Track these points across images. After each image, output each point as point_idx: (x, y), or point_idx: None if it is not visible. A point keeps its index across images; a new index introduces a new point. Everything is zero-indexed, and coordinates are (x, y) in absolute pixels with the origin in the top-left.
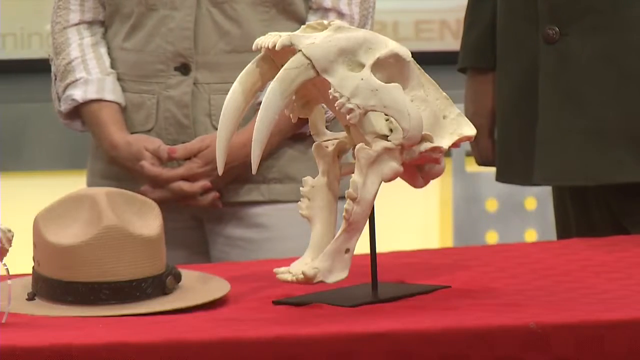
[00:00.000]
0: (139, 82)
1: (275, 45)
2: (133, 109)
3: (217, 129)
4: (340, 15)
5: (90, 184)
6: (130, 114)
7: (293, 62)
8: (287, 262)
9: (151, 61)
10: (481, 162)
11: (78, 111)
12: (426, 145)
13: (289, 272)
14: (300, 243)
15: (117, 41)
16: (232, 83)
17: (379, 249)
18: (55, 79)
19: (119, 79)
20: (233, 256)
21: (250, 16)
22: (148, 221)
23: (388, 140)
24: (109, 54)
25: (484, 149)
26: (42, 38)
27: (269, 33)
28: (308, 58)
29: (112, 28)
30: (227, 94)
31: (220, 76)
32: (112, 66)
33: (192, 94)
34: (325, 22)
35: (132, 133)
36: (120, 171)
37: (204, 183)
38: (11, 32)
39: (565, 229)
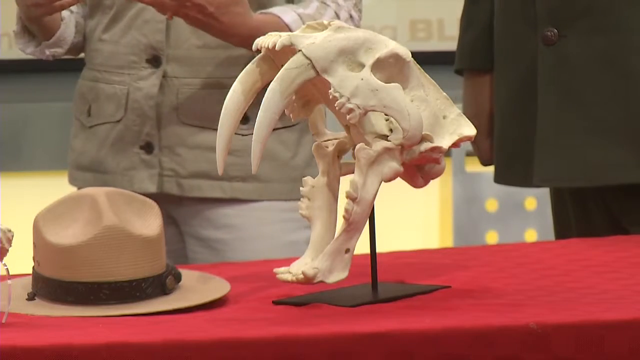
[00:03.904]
0: (112, 74)
1: (275, 45)
2: (105, 99)
3: (183, 123)
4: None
5: (69, 175)
6: (102, 104)
7: (293, 62)
8: (287, 262)
9: (125, 52)
10: (484, 163)
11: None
12: (426, 145)
13: (289, 272)
14: (271, 243)
15: (98, 33)
16: (202, 78)
17: (379, 249)
18: None
19: (95, 70)
20: (205, 256)
21: None
22: (148, 221)
23: (388, 140)
24: (90, 46)
25: (483, 150)
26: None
27: (269, 33)
28: (308, 58)
29: (94, 19)
30: (196, 88)
31: (190, 70)
32: (91, 58)
33: (161, 87)
34: (325, 22)
35: (102, 124)
36: (91, 161)
37: None
38: (10, 32)
39: (564, 229)
